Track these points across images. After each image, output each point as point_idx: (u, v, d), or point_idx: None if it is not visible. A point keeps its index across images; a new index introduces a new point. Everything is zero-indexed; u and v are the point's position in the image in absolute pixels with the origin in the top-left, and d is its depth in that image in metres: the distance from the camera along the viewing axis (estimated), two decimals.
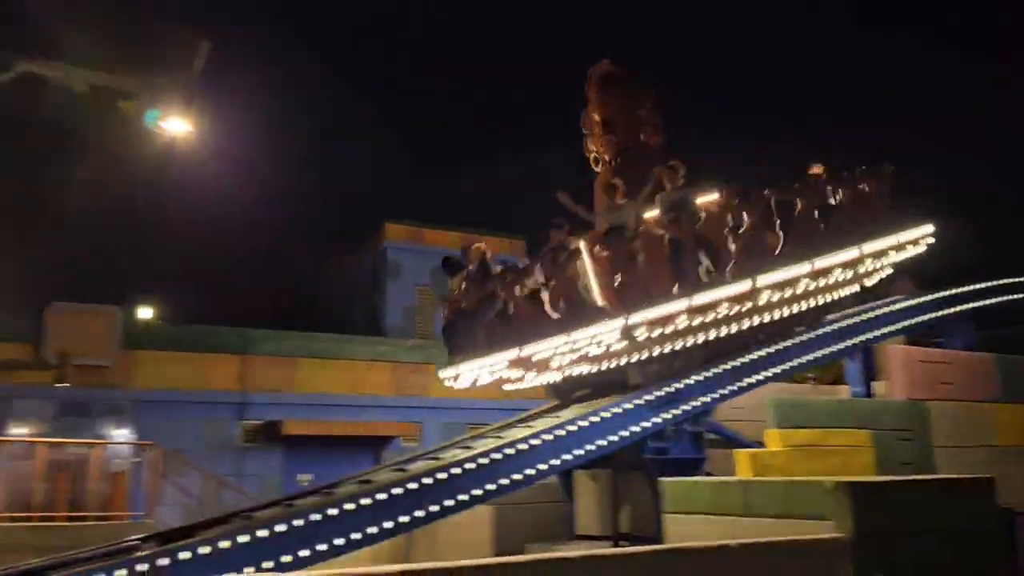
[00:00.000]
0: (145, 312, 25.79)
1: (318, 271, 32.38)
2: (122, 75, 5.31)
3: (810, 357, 11.43)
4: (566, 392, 11.52)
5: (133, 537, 8.47)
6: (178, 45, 5.39)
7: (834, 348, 11.78)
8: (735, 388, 10.53)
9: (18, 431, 19.05)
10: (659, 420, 9.84)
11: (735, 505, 7.33)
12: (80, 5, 5.44)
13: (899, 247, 11.10)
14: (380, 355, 23.56)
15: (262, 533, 7.53)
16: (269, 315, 24.76)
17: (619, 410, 9.59)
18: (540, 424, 9.88)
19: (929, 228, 11.30)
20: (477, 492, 8.63)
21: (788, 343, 11.17)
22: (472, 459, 8.64)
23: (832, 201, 10.56)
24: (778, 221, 10.06)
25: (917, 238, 11.22)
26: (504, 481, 8.81)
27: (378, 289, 27.79)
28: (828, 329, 11.73)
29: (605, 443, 9.46)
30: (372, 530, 8.00)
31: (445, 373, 10.77)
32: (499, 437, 9.90)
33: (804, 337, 11.40)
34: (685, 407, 10.03)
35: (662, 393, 9.89)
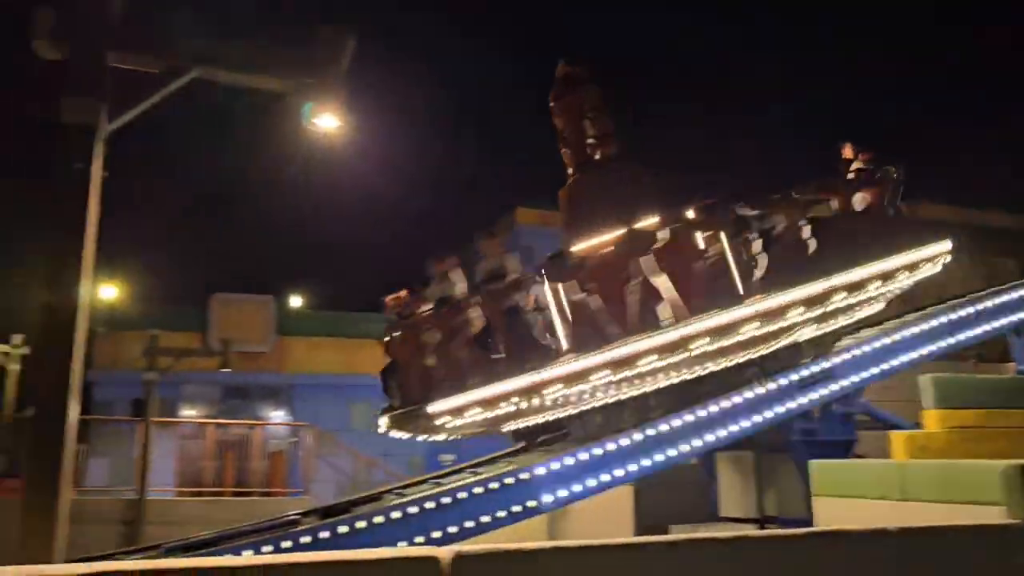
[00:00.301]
0: (295, 300, 27.21)
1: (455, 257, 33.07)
2: (275, 77, 5.66)
3: (971, 334, 10.75)
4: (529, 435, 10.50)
5: (294, 512, 9.01)
6: (324, 43, 5.67)
7: (997, 324, 11.02)
8: (885, 368, 10.04)
9: (188, 413, 20.65)
10: (804, 401, 9.51)
11: (891, 489, 7.03)
12: (232, 10, 5.82)
13: (914, 266, 9.20)
14: None
15: (413, 510, 7.86)
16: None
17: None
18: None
19: (947, 245, 9.47)
20: (619, 472, 8.65)
21: (943, 319, 10.53)
22: (614, 440, 8.66)
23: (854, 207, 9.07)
24: (805, 227, 8.71)
25: (934, 256, 9.39)
26: (646, 462, 8.77)
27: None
28: (991, 304, 10.97)
29: (749, 424, 9.26)
30: (516, 508, 8.17)
31: None
32: (643, 416, 9.87)
33: (963, 313, 10.71)
34: (833, 386, 9.65)
35: (806, 374, 9.56)
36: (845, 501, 7.52)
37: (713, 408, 8.95)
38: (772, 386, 9.30)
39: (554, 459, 8.48)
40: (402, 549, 6.20)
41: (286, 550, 7.24)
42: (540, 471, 8.34)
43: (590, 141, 10.31)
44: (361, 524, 7.65)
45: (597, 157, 10.25)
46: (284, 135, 6.87)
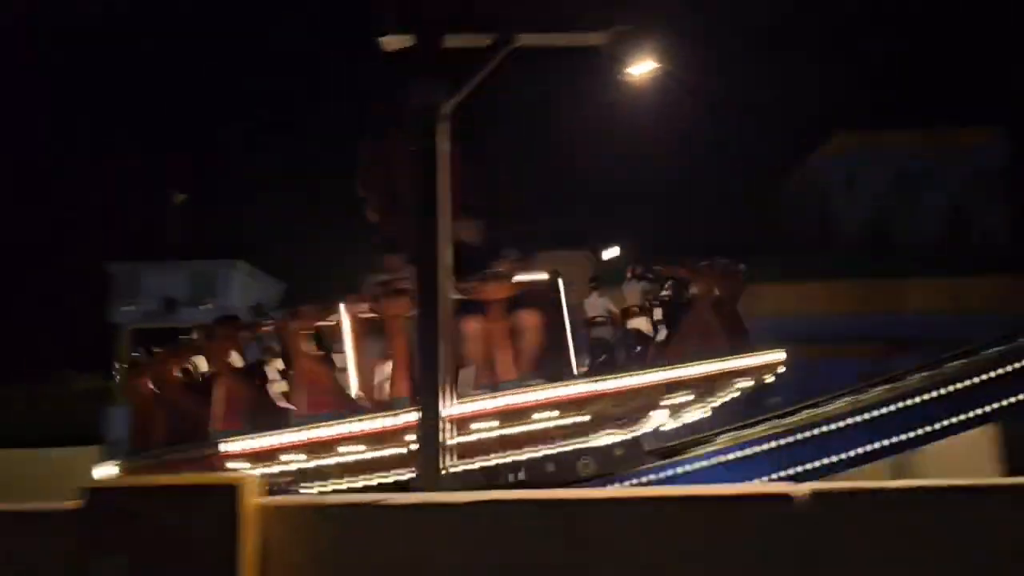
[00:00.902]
0: (611, 252, 27.61)
1: (768, 191, 31.54)
2: (591, 32, 5.85)
3: None
4: None
5: None
6: None
7: None
8: None
9: None
10: None
11: None
12: None
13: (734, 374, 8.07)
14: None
15: (747, 451, 7.87)
16: (724, 241, 24.89)
17: None
18: None
19: (781, 355, 8.35)
20: (978, 411, 7.94)
21: None
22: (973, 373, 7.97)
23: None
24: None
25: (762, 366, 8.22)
26: None
27: (829, 203, 26.40)
28: None
29: None
30: (873, 446, 7.90)
31: None
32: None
33: None
34: None
35: None
36: None
37: None
38: None
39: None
40: (755, 486, 6.24)
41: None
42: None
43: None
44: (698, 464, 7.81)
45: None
46: (602, 87, 7.12)
